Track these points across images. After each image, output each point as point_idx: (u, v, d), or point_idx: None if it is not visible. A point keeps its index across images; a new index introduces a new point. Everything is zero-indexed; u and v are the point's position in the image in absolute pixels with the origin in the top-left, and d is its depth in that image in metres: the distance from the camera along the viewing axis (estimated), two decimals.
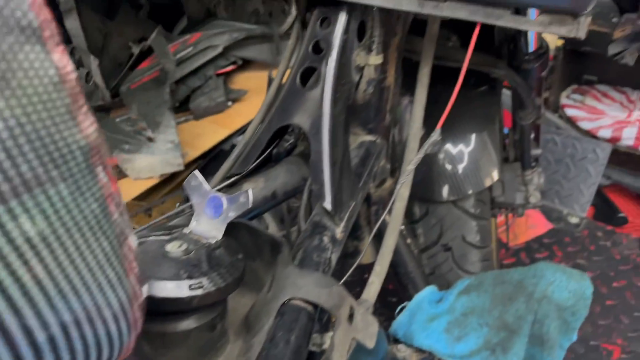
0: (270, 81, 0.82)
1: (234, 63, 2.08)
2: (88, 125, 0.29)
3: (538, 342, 0.77)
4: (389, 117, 0.82)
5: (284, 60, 0.78)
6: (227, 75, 2.11)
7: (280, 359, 0.49)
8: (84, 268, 0.28)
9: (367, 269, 0.72)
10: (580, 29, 0.62)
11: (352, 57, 0.69)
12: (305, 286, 0.55)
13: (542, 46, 0.99)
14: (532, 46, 0.98)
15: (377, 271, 0.65)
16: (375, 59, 0.70)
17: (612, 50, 0.81)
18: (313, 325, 0.56)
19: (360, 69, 0.71)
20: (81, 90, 0.29)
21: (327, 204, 0.64)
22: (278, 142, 0.75)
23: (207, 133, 1.87)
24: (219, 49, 1.99)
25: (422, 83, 0.72)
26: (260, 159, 0.71)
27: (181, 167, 1.67)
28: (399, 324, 0.82)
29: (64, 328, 0.27)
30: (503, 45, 0.99)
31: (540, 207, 1.28)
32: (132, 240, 0.35)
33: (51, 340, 0.27)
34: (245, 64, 2.14)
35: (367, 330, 0.59)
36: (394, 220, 0.68)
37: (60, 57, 0.27)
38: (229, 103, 1.96)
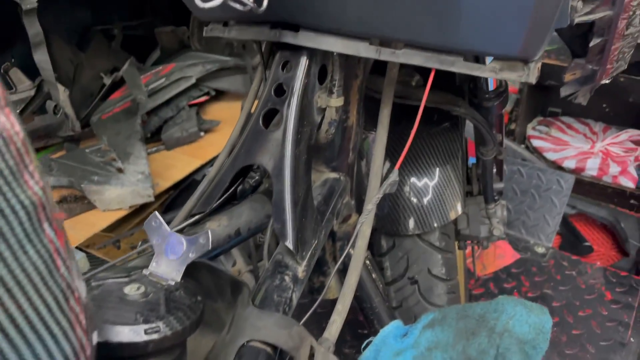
0: None
1: (207, 94, 2.09)
2: (34, 183, 0.29)
3: None
4: (352, 154, 0.84)
5: (248, 100, 0.80)
6: (200, 105, 2.11)
7: None
8: (25, 326, 0.28)
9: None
10: (530, 74, 0.65)
11: (314, 99, 0.71)
12: (264, 328, 0.55)
13: (502, 84, 1.03)
14: (492, 85, 1.02)
15: (339, 310, 0.66)
16: (337, 101, 0.72)
17: (564, 92, 0.85)
18: None
19: (322, 111, 0.73)
20: (28, 148, 0.29)
21: (289, 243, 0.65)
22: (242, 180, 0.76)
23: (179, 164, 1.87)
24: (192, 80, 2.00)
25: (382, 124, 0.75)
26: (223, 197, 0.71)
27: (151, 199, 1.66)
28: (365, 359, 0.82)
29: None
30: (464, 84, 1.03)
31: (505, 238, 1.31)
32: (82, 291, 0.35)
33: None
34: (219, 95, 2.16)
35: None
36: (356, 258, 0.69)
37: (6, 119, 0.28)
38: (202, 133, 1.97)
